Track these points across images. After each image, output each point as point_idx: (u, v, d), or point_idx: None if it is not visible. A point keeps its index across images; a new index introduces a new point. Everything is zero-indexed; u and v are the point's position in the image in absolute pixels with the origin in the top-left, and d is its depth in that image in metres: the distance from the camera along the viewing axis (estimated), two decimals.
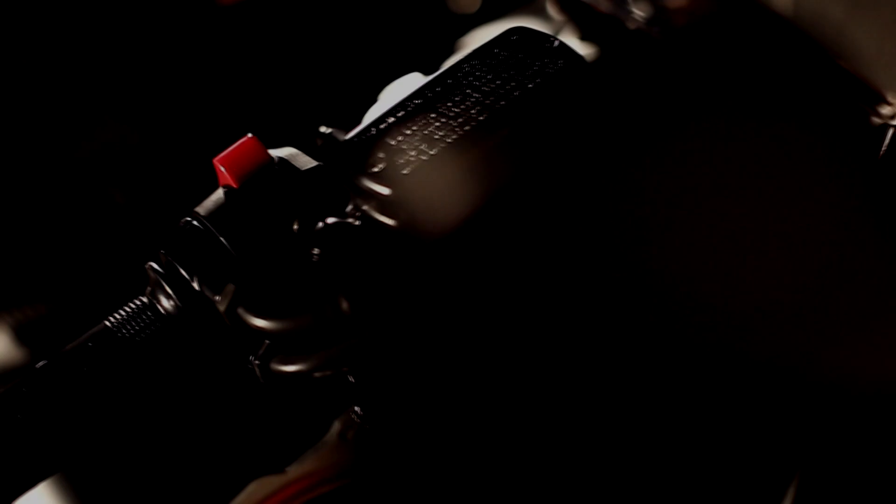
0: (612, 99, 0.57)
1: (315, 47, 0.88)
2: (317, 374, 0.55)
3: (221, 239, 0.56)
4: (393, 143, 0.55)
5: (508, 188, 0.55)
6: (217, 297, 0.55)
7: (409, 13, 0.91)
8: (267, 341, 0.55)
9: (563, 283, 0.57)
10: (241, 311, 0.54)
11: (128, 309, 0.58)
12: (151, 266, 0.58)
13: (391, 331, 0.53)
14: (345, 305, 0.53)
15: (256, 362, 0.55)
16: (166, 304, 0.57)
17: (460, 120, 0.55)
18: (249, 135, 0.60)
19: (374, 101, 0.79)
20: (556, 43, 0.57)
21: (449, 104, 0.56)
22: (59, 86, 0.78)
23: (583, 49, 0.59)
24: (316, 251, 0.54)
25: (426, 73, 0.84)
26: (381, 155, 0.54)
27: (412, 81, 0.73)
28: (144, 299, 0.58)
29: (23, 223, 0.79)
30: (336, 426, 0.55)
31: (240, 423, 0.62)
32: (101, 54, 0.80)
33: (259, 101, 0.85)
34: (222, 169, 0.59)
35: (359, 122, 0.76)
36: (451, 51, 0.86)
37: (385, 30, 0.90)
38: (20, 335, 0.80)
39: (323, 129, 0.61)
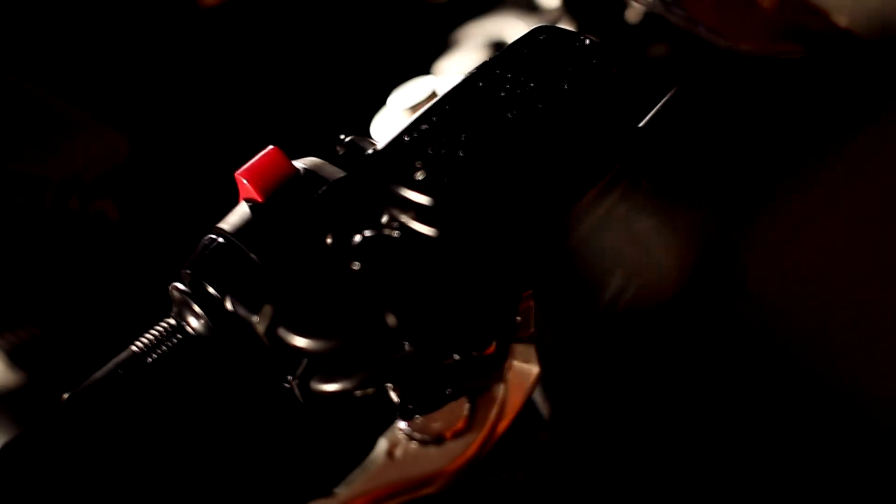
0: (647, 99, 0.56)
1: (308, 53, 0.85)
2: (359, 393, 0.53)
3: (252, 256, 0.54)
4: (430, 150, 0.53)
5: (554, 189, 0.53)
6: (254, 318, 0.53)
7: (392, 12, 0.90)
8: (305, 360, 0.53)
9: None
10: (282, 331, 0.52)
11: (154, 332, 0.56)
12: (176, 286, 0.56)
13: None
14: (392, 321, 0.51)
15: (295, 382, 0.54)
16: (196, 324, 0.55)
17: (498, 124, 0.54)
18: (271, 146, 0.58)
19: (372, 103, 0.77)
20: (587, 41, 0.56)
21: (483, 108, 0.55)
22: (48, 93, 0.75)
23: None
24: (356, 265, 0.52)
25: (421, 73, 0.82)
26: (418, 163, 0.53)
27: (422, 85, 0.72)
28: (171, 321, 0.56)
29: (12, 241, 0.76)
30: (382, 444, 0.53)
31: (281, 446, 0.60)
32: (89, 59, 0.77)
33: (255, 108, 0.82)
34: (245, 182, 0.56)
35: (367, 127, 0.74)
36: (443, 47, 0.85)
37: (374, 31, 0.88)
38: (13, 358, 0.77)
39: (343, 136, 0.59)
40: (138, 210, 0.77)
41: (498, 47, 0.83)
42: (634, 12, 0.77)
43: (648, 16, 0.76)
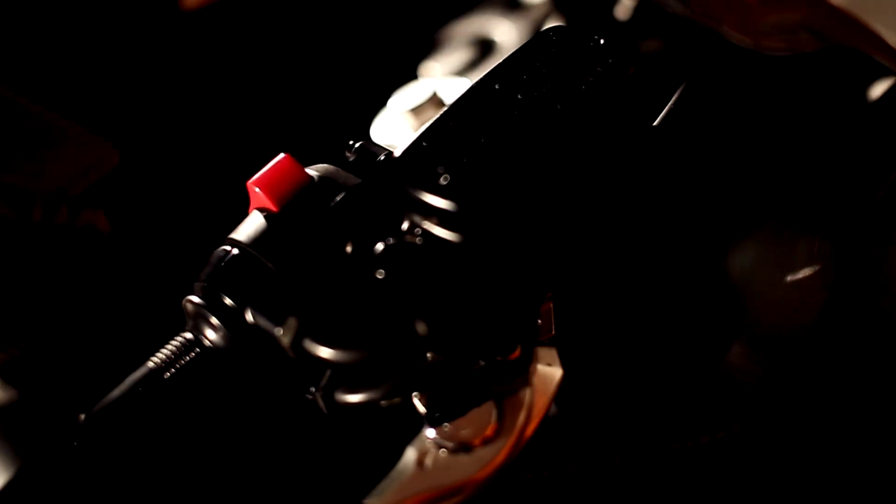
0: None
1: (293, 55, 0.84)
2: (384, 403, 0.52)
3: (270, 266, 0.53)
4: (451, 155, 0.53)
5: (579, 192, 0.53)
6: (277, 330, 0.52)
7: (374, 11, 0.89)
8: (329, 371, 0.53)
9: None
10: (308, 343, 0.51)
11: (171, 347, 0.54)
12: (190, 300, 0.55)
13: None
14: (422, 329, 0.50)
15: (319, 393, 0.53)
16: (214, 337, 0.54)
17: (517, 127, 0.53)
18: (283, 154, 0.57)
19: (363, 104, 0.77)
20: (602, 41, 0.56)
21: (501, 112, 0.54)
22: (31, 101, 0.73)
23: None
24: (380, 274, 0.51)
25: (407, 73, 0.82)
26: (440, 168, 0.52)
27: (423, 87, 0.71)
28: (188, 335, 0.55)
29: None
30: (411, 453, 0.52)
31: (308, 459, 0.59)
32: (72, 66, 0.75)
33: (246, 113, 0.81)
34: (258, 191, 0.55)
35: (367, 130, 0.74)
36: (428, 46, 0.84)
37: (356, 31, 0.88)
38: (3, 375, 0.75)
39: (352, 142, 0.58)
40: (129, 222, 0.75)
41: (484, 45, 0.83)
42: (624, 7, 0.77)
43: (638, 10, 0.76)
